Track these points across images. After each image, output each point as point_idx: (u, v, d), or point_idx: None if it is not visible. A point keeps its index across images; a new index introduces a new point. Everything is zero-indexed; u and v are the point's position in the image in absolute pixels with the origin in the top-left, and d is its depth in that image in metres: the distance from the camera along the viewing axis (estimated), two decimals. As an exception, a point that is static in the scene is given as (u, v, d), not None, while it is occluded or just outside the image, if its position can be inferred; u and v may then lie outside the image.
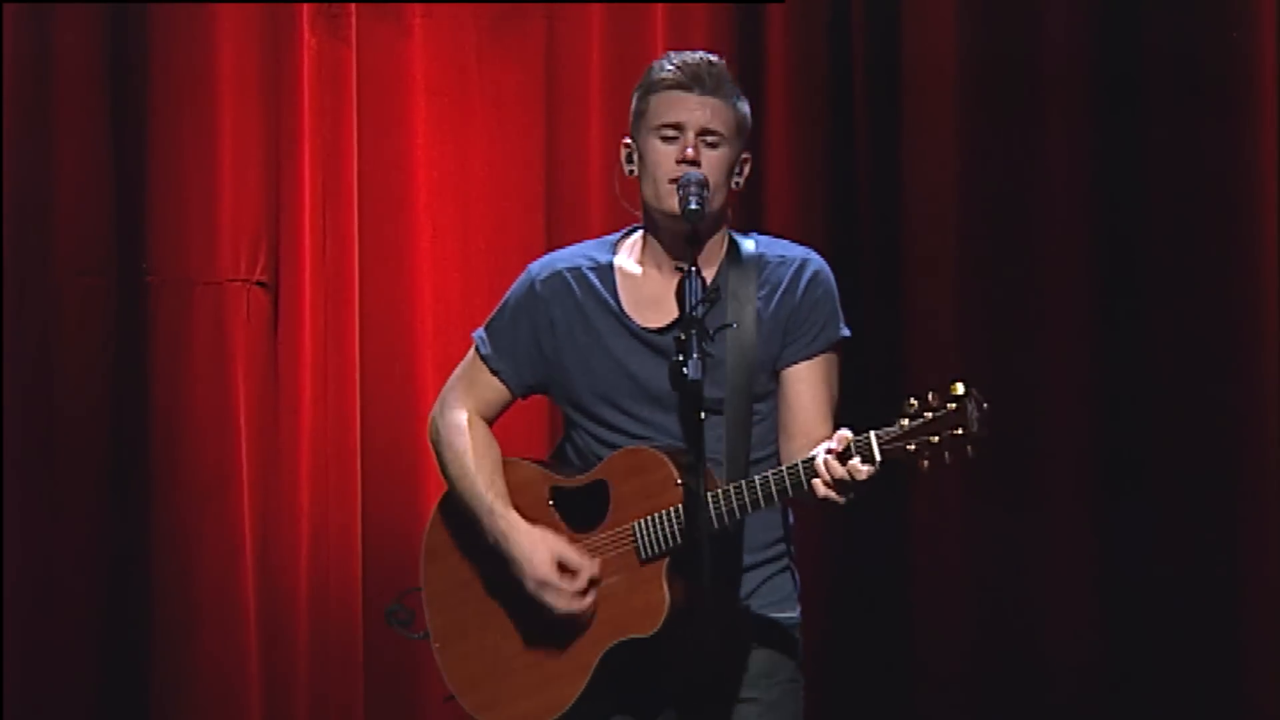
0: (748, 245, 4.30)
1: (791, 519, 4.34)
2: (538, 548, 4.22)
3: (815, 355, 4.26)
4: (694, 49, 4.33)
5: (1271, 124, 5.65)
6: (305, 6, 5.81)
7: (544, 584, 4.20)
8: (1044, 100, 5.76)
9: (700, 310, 3.97)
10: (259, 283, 5.82)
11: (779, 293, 4.25)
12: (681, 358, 3.91)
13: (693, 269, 4.02)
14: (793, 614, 4.31)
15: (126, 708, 5.72)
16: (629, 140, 4.30)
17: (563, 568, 4.20)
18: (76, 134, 5.74)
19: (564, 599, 4.19)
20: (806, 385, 4.24)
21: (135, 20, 5.77)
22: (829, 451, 3.94)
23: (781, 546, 4.32)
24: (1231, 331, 5.69)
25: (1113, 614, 5.71)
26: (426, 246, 5.86)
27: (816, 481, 3.95)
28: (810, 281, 4.27)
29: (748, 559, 4.26)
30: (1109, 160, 5.74)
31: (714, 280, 4.25)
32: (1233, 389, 5.68)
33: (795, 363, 4.25)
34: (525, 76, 5.89)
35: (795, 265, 4.28)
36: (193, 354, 5.79)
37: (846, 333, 4.29)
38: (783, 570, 4.32)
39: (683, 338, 3.93)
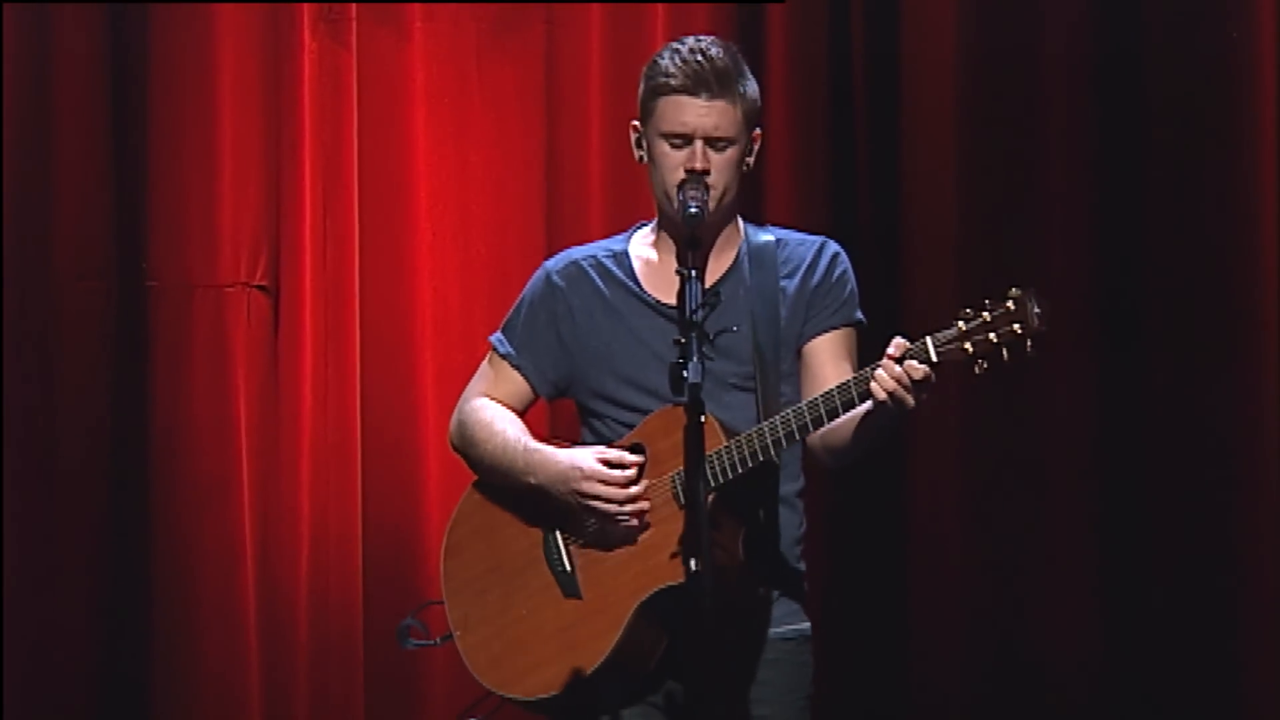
0: (765, 234, 4.36)
1: (804, 525, 4.35)
2: (580, 450, 4.23)
3: (836, 328, 4.30)
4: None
5: (1270, 123, 5.65)
6: (306, 11, 5.81)
7: (591, 475, 4.18)
8: (1043, 97, 5.76)
9: (700, 314, 3.97)
10: (259, 287, 5.83)
11: (801, 269, 4.32)
12: (682, 360, 3.90)
13: (692, 273, 4.02)
14: (805, 626, 4.32)
15: (127, 710, 5.72)
16: (638, 124, 4.31)
17: (608, 464, 4.19)
18: (76, 138, 5.75)
19: (614, 489, 4.16)
20: (829, 358, 4.27)
21: (135, 24, 5.77)
22: (887, 355, 3.96)
23: (802, 547, 4.33)
24: (1231, 342, 5.69)
25: (1113, 623, 5.70)
26: (427, 250, 5.86)
27: (874, 385, 3.94)
28: (832, 260, 4.35)
29: (775, 557, 4.26)
30: (1108, 157, 5.73)
31: (730, 267, 4.30)
32: (1236, 404, 5.69)
33: (817, 335, 4.29)
34: (525, 80, 5.88)
35: (816, 246, 4.37)
36: (193, 358, 5.79)
37: (862, 318, 4.33)
38: (800, 578, 4.33)
39: (682, 341, 3.93)
